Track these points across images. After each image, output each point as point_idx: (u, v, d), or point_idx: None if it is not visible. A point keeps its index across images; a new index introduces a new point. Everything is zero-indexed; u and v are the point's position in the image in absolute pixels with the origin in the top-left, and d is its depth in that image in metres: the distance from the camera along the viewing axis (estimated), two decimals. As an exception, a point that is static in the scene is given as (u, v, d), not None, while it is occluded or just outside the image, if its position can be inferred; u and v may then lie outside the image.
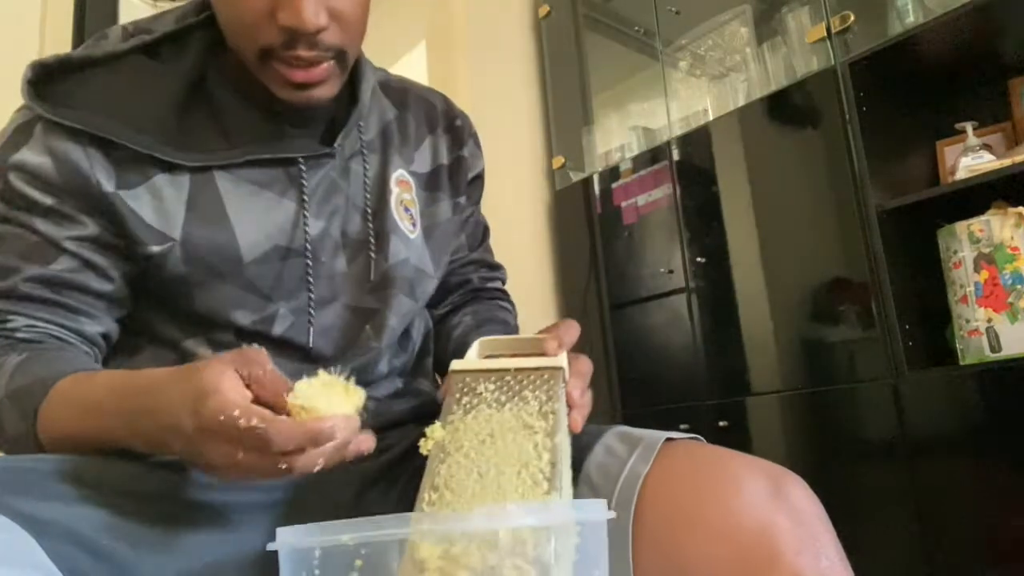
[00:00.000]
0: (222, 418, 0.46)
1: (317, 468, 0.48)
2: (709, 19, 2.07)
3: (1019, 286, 1.42)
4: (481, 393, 0.59)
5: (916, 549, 1.43)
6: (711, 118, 1.97)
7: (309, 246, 0.69)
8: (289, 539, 0.43)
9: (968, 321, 1.47)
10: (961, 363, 1.48)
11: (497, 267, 0.96)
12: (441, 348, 0.86)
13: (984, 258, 1.46)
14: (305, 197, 0.69)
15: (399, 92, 0.84)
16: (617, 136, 2.26)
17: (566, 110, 2.43)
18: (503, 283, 0.96)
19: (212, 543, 0.57)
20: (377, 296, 0.73)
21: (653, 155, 2.07)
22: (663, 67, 2.14)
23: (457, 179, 0.84)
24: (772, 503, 0.55)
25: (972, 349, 1.46)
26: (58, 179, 0.62)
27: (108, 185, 0.63)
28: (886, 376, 1.51)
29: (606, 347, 2.11)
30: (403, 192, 0.78)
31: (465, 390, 0.60)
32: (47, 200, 0.62)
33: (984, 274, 1.45)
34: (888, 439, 1.50)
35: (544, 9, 2.49)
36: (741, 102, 1.90)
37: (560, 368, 0.59)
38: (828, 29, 1.69)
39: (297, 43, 0.61)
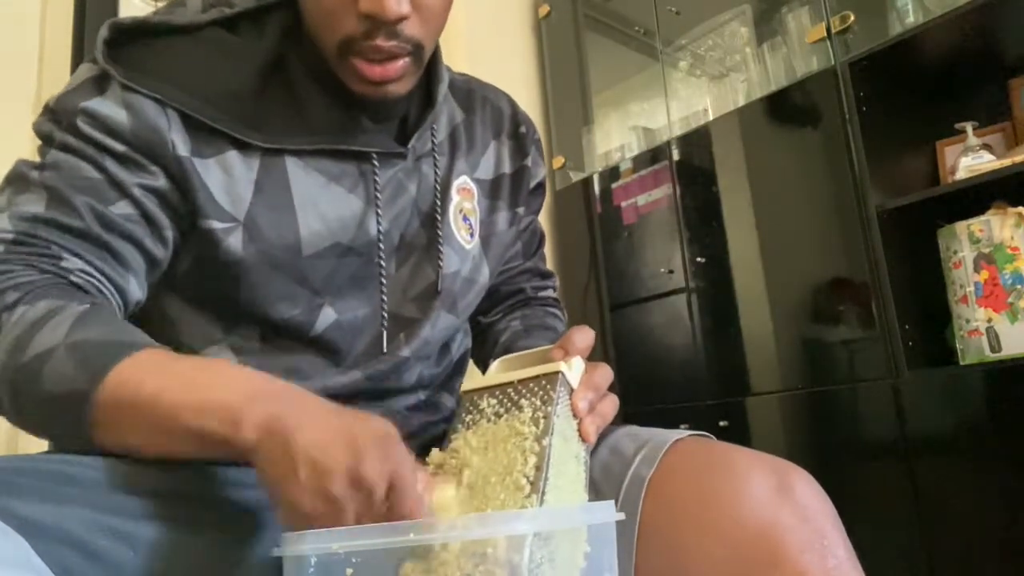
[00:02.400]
0: (396, 453, 0.45)
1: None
2: (709, 19, 2.07)
3: (1019, 286, 1.42)
4: (483, 409, 0.59)
5: (916, 549, 1.43)
6: (711, 118, 1.97)
7: (370, 247, 0.67)
8: (289, 545, 0.43)
9: (968, 321, 1.47)
10: (961, 363, 1.48)
11: (549, 275, 0.94)
12: (487, 353, 0.85)
13: (984, 258, 1.46)
14: (378, 195, 0.68)
15: (465, 93, 0.82)
16: (617, 136, 2.26)
17: (566, 110, 2.43)
18: (554, 291, 0.95)
19: (215, 545, 0.56)
20: (418, 306, 0.71)
21: (653, 155, 2.07)
22: (663, 67, 2.13)
23: (518, 190, 0.83)
24: (777, 500, 0.54)
25: (972, 349, 1.46)
26: (132, 133, 0.60)
27: (183, 149, 0.61)
28: (886, 376, 1.51)
29: (606, 347, 2.10)
30: (464, 200, 0.76)
31: (470, 408, 0.60)
32: (119, 147, 0.60)
33: (984, 274, 1.45)
34: (888, 439, 1.50)
35: (544, 9, 2.49)
36: (741, 102, 1.90)
37: (556, 372, 0.58)
38: (828, 29, 1.69)
39: (377, 32, 0.60)
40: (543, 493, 0.49)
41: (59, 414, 0.51)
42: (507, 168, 0.82)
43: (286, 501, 0.45)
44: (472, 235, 0.76)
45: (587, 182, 2.24)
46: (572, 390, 0.59)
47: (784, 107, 1.77)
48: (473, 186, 0.78)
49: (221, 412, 0.48)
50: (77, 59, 1.57)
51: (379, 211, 0.68)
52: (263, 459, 0.47)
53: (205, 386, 0.50)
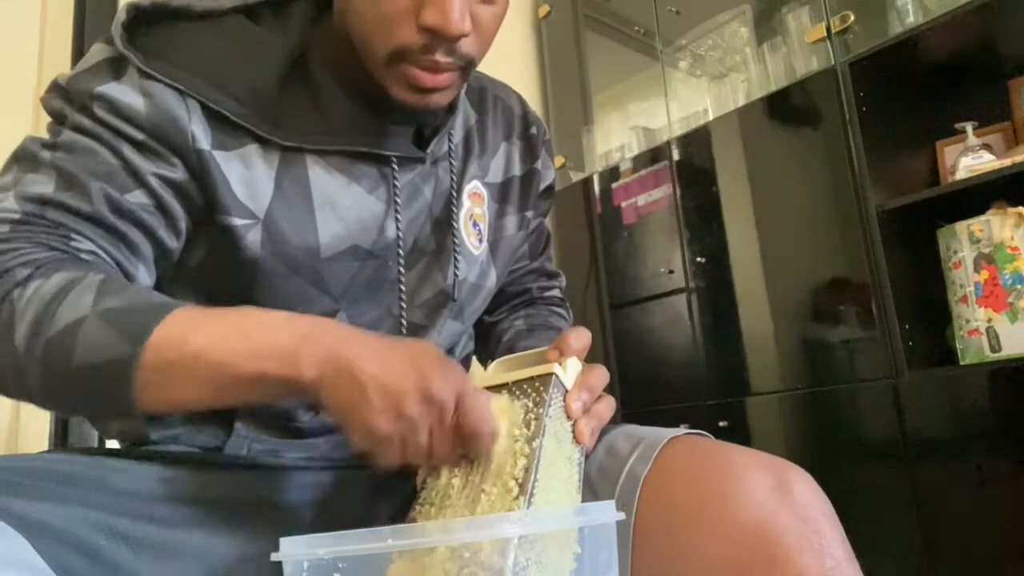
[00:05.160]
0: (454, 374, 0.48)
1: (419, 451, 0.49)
2: (709, 19, 2.07)
3: (1019, 286, 1.42)
4: None
5: (916, 549, 1.43)
6: (711, 118, 1.97)
7: (387, 251, 0.67)
8: (284, 550, 0.44)
9: (968, 321, 1.47)
10: (961, 363, 1.48)
11: (555, 275, 0.94)
12: (491, 352, 0.86)
13: (984, 258, 1.46)
14: (398, 199, 0.67)
15: (477, 93, 0.81)
16: (617, 136, 2.26)
17: (566, 110, 2.43)
18: (560, 290, 0.95)
19: (214, 545, 0.56)
20: (425, 312, 0.71)
21: (653, 155, 2.07)
22: (663, 67, 2.13)
23: (528, 193, 0.82)
24: (775, 499, 0.54)
25: (972, 349, 1.46)
26: (150, 122, 0.57)
27: (204, 141, 0.59)
28: (886, 376, 1.51)
29: (606, 347, 2.10)
30: (474, 206, 0.75)
31: None
32: (137, 134, 0.57)
33: (984, 274, 1.45)
34: (888, 439, 1.50)
35: (544, 9, 2.49)
36: (741, 102, 1.90)
37: (550, 374, 0.57)
38: (828, 29, 1.69)
39: (437, 47, 0.58)
40: (531, 495, 0.49)
41: (101, 384, 0.49)
42: (517, 170, 0.81)
43: (361, 426, 0.47)
44: (481, 240, 0.76)
45: (587, 182, 2.24)
46: (567, 391, 0.59)
47: (784, 107, 1.77)
48: (483, 190, 0.77)
49: (277, 354, 0.48)
50: (77, 59, 1.57)
51: (398, 215, 0.67)
52: (330, 391, 0.48)
53: (253, 332, 0.50)
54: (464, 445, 0.50)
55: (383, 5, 0.58)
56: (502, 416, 0.54)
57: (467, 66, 0.62)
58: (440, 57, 0.59)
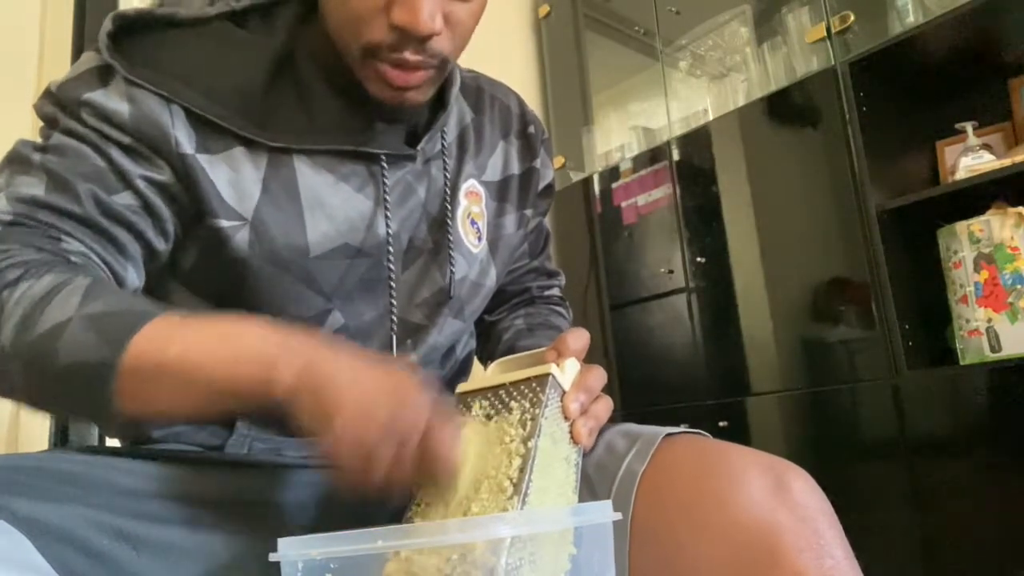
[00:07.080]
0: (429, 401, 0.48)
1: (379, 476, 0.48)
2: (709, 19, 2.07)
3: (1019, 286, 1.42)
4: (474, 411, 0.59)
5: (916, 549, 1.43)
6: (711, 118, 1.97)
7: (379, 249, 0.66)
8: (281, 550, 0.45)
9: (968, 321, 1.47)
10: (961, 363, 1.48)
11: (555, 274, 0.94)
12: (491, 351, 0.86)
13: (984, 258, 1.46)
14: (387, 196, 0.67)
15: (474, 92, 0.80)
16: (617, 136, 2.26)
17: (566, 110, 2.43)
18: (560, 289, 0.95)
19: (216, 544, 0.56)
20: (425, 312, 0.71)
21: (653, 155, 2.07)
22: (663, 67, 2.13)
23: (526, 192, 0.82)
24: (774, 499, 0.53)
25: (972, 349, 1.46)
26: (135, 128, 0.58)
27: (187, 146, 0.60)
28: (886, 376, 1.51)
29: (606, 347, 2.10)
30: (472, 205, 0.75)
31: (463, 409, 0.59)
32: (124, 138, 0.59)
33: (984, 274, 1.45)
34: (888, 439, 1.50)
35: (544, 9, 2.49)
36: (741, 102, 1.90)
37: (546, 375, 0.57)
38: (828, 29, 1.69)
39: (406, 45, 0.59)
40: (525, 495, 0.49)
41: (81, 386, 0.49)
42: (515, 169, 0.81)
43: (324, 446, 0.47)
44: (480, 239, 0.76)
45: (587, 182, 2.24)
46: (564, 392, 0.59)
47: (784, 107, 1.77)
48: (481, 189, 0.77)
49: (255, 362, 0.48)
50: (77, 59, 1.57)
51: (388, 213, 0.67)
52: (301, 407, 0.47)
53: (234, 340, 0.50)
54: (426, 473, 0.49)
55: (354, 2, 0.58)
56: (476, 443, 0.53)
57: (441, 64, 0.62)
58: (410, 55, 0.59)
